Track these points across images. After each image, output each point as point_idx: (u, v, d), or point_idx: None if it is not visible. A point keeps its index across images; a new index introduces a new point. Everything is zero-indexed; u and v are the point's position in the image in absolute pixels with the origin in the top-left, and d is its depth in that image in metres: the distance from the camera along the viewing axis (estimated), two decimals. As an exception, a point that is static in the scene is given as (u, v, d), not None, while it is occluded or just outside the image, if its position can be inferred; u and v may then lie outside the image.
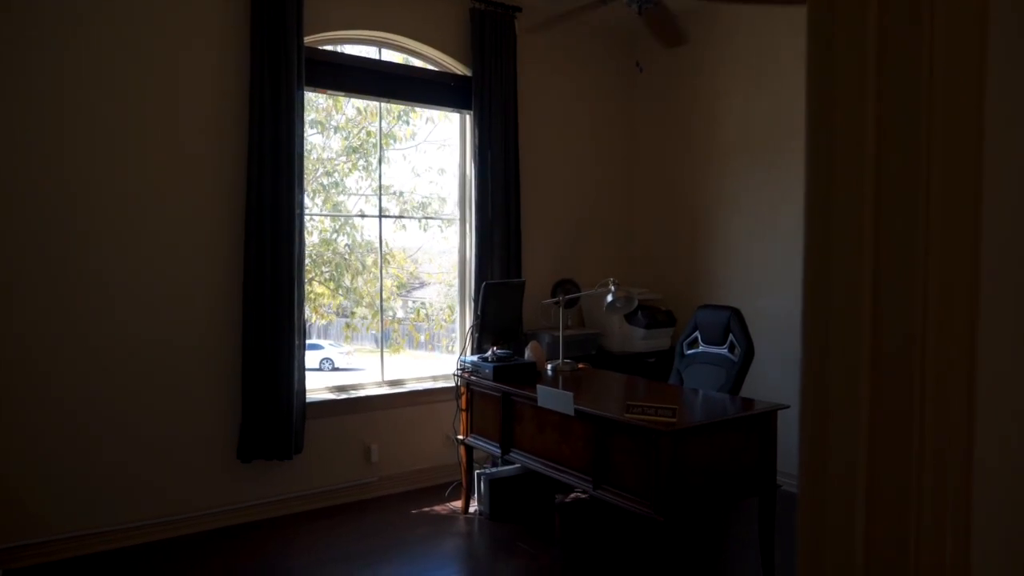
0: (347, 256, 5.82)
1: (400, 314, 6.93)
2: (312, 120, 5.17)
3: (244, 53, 3.55)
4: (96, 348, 3.26)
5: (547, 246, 4.76)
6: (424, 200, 5.27)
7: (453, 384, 4.14)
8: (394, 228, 5.54)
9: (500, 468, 3.87)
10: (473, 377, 3.61)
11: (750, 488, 2.87)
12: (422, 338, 6.53)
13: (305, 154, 5.76)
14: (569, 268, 4.80)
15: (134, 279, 3.36)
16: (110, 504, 3.30)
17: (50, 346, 3.16)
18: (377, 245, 5.65)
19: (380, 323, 4.40)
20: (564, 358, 3.83)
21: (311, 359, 9.17)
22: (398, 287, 6.41)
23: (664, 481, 2.56)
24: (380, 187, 4.41)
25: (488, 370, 3.49)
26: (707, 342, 3.82)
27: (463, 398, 3.72)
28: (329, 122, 5.12)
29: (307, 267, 5.86)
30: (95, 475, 3.26)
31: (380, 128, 4.48)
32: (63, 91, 3.17)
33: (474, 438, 3.68)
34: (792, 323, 4.24)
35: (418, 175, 5.61)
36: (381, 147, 4.46)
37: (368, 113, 4.90)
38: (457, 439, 3.80)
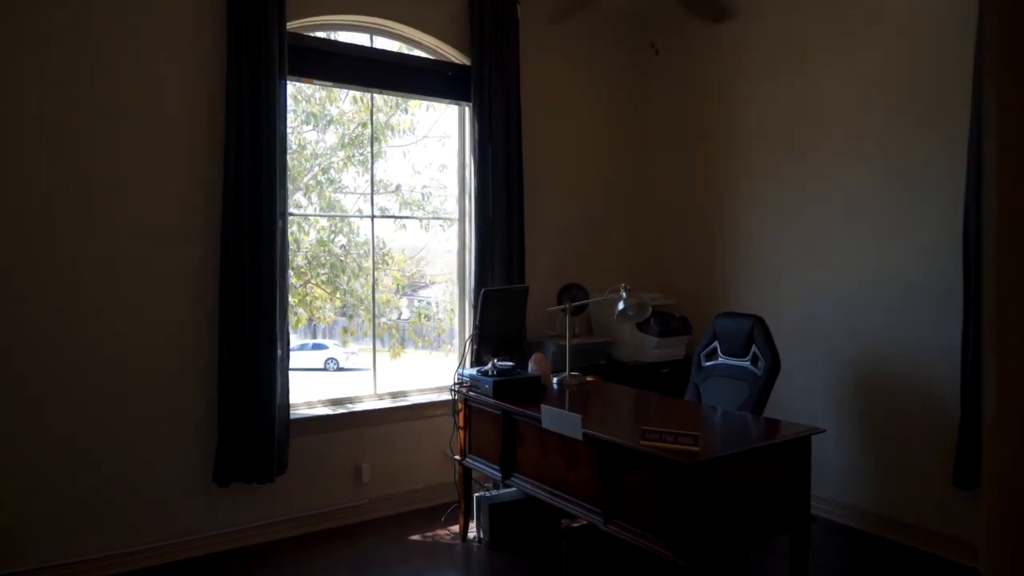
0: (343, 257, 5.53)
1: (406, 314, 6.68)
2: (305, 113, 4.87)
3: (220, 39, 3.25)
4: (57, 364, 2.97)
5: (552, 248, 4.44)
6: (425, 193, 4.96)
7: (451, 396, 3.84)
8: (394, 228, 5.24)
9: (502, 491, 3.56)
10: (471, 392, 3.30)
11: (781, 524, 2.55)
12: (427, 339, 6.24)
13: (299, 150, 5.52)
14: (576, 272, 4.48)
15: (99, 287, 3.06)
16: (74, 534, 3.00)
17: (7, 362, 2.88)
18: (379, 245, 5.35)
19: (373, 329, 4.09)
20: (571, 370, 3.52)
21: (315, 359, 9.09)
22: (400, 288, 6.13)
23: (684, 519, 2.24)
24: (372, 184, 4.10)
25: (487, 386, 3.18)
26: (727, 353, 3.50)
27: (460, 415, 3.41)
28: (324, 115, 4.82)
29: (303, 269, 5.61)
30: (56, 501, 2.97)
31: (372, 121, 4.17)
32: (23, 85, 2.88)
33: (472, 459, 3.37)
34: (821, 333, 3.95)
35: (418, 172, 5.31)
36: (373, 141, 4.15)
37: (365, 104, 4.60)
38: (454, 459, 3.49)
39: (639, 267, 4.84)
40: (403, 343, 6.28)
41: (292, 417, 3.47)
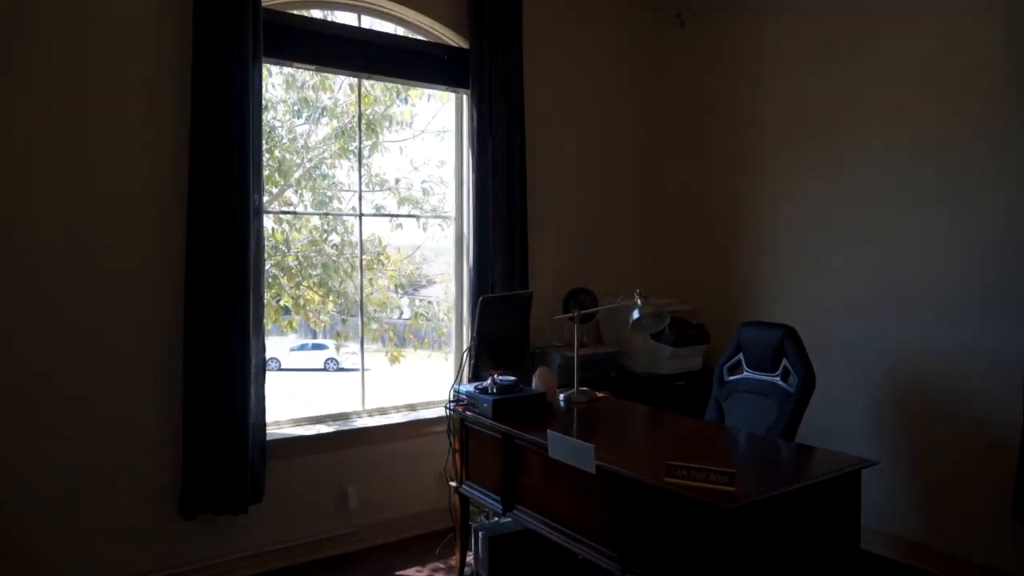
0: (336, 257, 5.16)
1: (407, 313, 6.41)
2: (299, 101, 4.50)
3: (186, 15, 2.89)
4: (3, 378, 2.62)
5: (556, 249, 4.08)
6: (425, 188, 4.59)
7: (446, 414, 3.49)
8: (391, 227, 4.89)
9: (503, 519, 3.20)
10: (469, 412, 2.94)
11: (826, 571, 2.19)
12: (426, 341, 5.90)
13: (289, 143, 5.15)
14: (582, 275, 4.11)
15: (48, 291, 2.71)
16: (16, 572, 2.65)
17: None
18: (370, 245, 5.00)
19: (361, 336, 3.74)
20: (579, 385, 3.15)
21: (315, 360, 8.79)
22: (398, 288, 5.79)
23: (719, 571, 1.89)
24: (361, 180, 3.74)
25: (486, 405, 2.81)
26: (753, 367, 3.14)
27: (457, 436, 3.05)
28: (317, 104, 4.44)
29: (294, 270, 5.25)
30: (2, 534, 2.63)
31: (360, 110, 3.80)
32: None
33: (470, 487, 3.01)
34: (854, 343, 3.53)
35: (416, 168, 4.94)
36: (361, 133, 3.79)
37: (364, 91, 4.22)
38: (451, 484, 3.13)
39: (651, 270, 4.48)
40: (403, 344, 5.93)
41: (269, 438, 3.12)
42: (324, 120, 4.57)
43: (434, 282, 6.21)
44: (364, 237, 4.23)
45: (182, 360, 2.88)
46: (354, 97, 4.32)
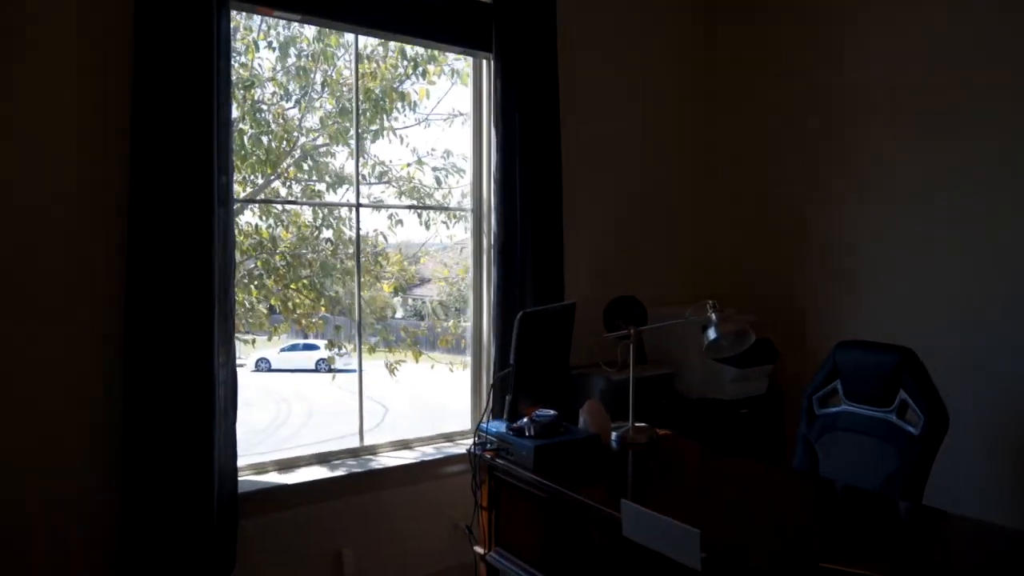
0: (330, 256, 4.47)
1: (399, 313, 5.90)
2: (289, 68, 3.82)
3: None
4: None
5: (594, 250, 3.40)
6: (437, 176, 3.92)
7: (465, 452, 2.83)
8: (390, 224, 4.22)
9: (538, 590, 2.53)
10: (499, 460, 2.27)
11: None
12: (447, 340, 5.25)
13: (281, 124, 4.43)
14: (620, 280, 3.42)
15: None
16: None
17: None
18: (368, 244, 4.32)
19: (359, 353, 3.06)
20: (635, 421, 2.49)
21: (306, 360, 8.25)
22: (396, 290, 5.15)
23: None
24: (358, 165, 3.05)
25: (525, 452, 2.15)
26: (856, 398, 2.48)
27: (484, 489, 2.38)
28: (313, 76, 3.74)
29: (281, 271, 4.57)
30: None
31: (357, 79, 3.11)
32: None
33: (501, 556, 2.33)
34: (963, 369, 2.84)
35: (420, 159, 4.27)
36: (358, 109, 3.10)
37: (373, 61, 3.54)
38: (475, 550, 2.46)
39: (705, 273, 3.80)
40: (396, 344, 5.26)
41: (241, 489, 2.44)
42: (325, 96, 3.89)
43: (427, 280, 5.68)
44: (364, 234, 3.58)
45: (123, 387, 2.20)
46: (362, 68, 3.64)
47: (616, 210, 3.50)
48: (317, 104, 4.08)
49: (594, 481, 2.07)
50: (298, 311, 4.57)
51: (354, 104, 3.01)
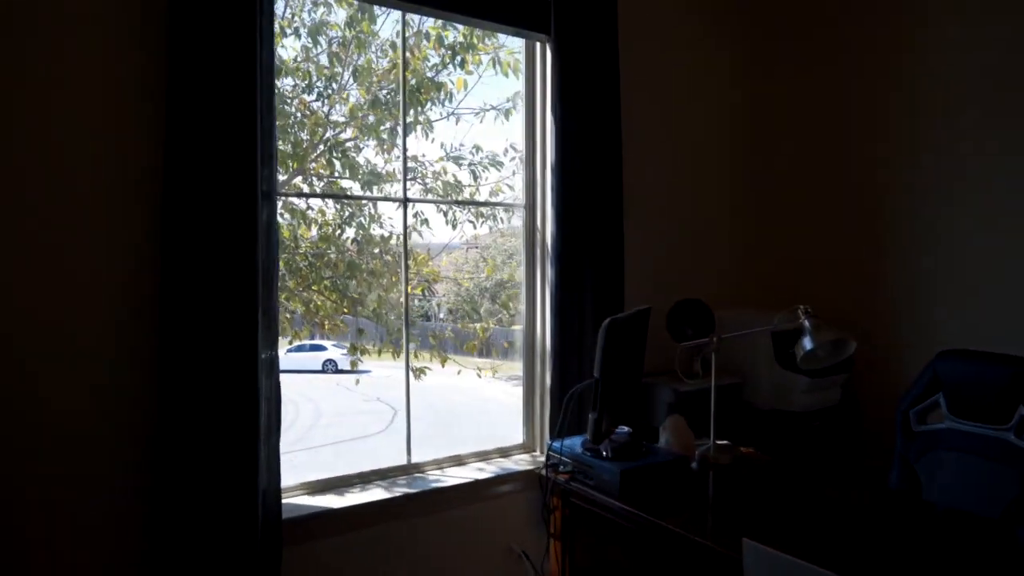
0: (355, 256, 4.22)
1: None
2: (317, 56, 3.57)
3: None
4: None
5: (652, 248, 3.15)
6: (475, 169, 3.66)
7: (517, 467, 2.61)
8: (415, 222, 3.97)
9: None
10: (575, 483, 2.03)
11: None
12: (471, 344, 5.03)
13: (310, 116, 4.17)
14: (678, 281, 3.17)
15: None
16: None
17: None
18: (394, 242, 4.08)
19: (407, 360, 2.83)
20: (716, 437, 2.25)
21: (312, 361, 8.07)
22: (422, 291, 4.92)
23: None
24: (405, 153, 2.81)
25: (608, 476, 1.91)
26: (963, 414, 2.23)
27: (556, 515, 2.14)
28: (346, 64, 3.49)
29: (304, 271, 4.33)
30: None
31: (403, 59, 2.86)
32: None
33: (577, 591, 2.10)
34: None
35: (448, 153, 4.02)
36: (404, 95, 2.86)
37: (407, 49, 3.28)
38: (541, 582, 2.22)
39: (762, 275, 3.55)
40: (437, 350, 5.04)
41: (285, 515, 2.20)
42: (354, 88, 3.63)
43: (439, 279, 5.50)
44: (387, 235, 3.36)
45: (156, 403, 1.96)
46: (397, 57, 3.38)
47: (670, 206, 3.26)
48: (347, 95, 3.84)
49: (684, 509, 1.83)
50: (320, 313, 4.33)
51: (401, 87, 2.77)
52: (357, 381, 5.30)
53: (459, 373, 5.04)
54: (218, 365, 1.98)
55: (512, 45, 3.15)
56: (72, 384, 1.92)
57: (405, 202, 2.75)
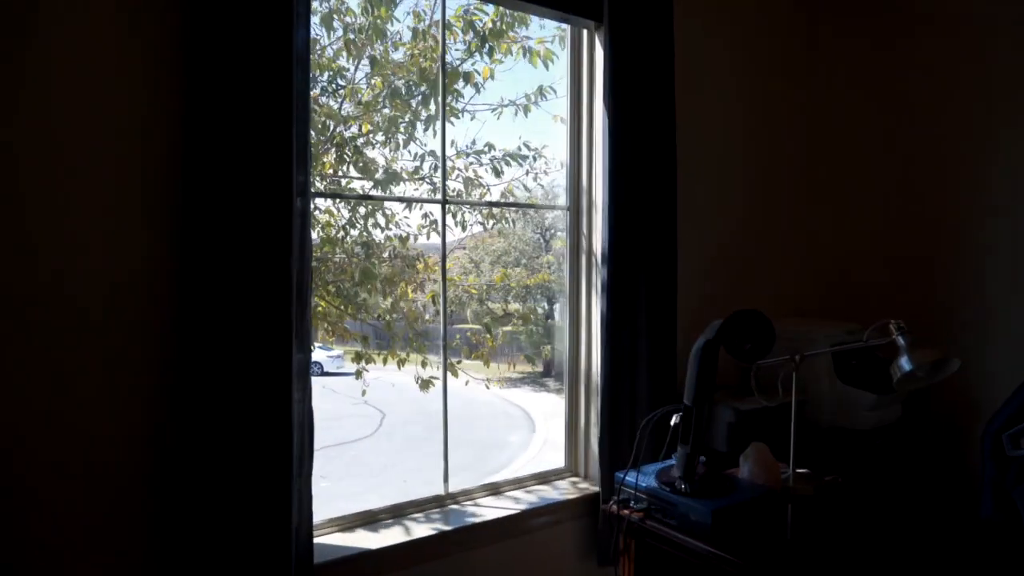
0: (367, 260, 3.94)
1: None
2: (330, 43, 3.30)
3: None
4: None
5: (705, 256, 2.92)
6: (497, 163, 3.42)
7: (560, 496, 2.37)
8: (422, 224, 3.71)
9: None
10: (652, 522, 1.80)
11: None
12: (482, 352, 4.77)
13: (324, 111, 3.88)
14: (728, 291, 2.96)
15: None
16: None
17: None
18: (402, 246, 3.83)
19: (444, 381, 2.57)
20: (795, 465, 2.02)
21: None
22: (432, 299, 4.65)
23: None
24: (444, 145, 2.56)
25: (697, 516, 1.67)
26: (1067, 440, 2.03)
27: (626, 560, 1.90)
28: (364, 53, 3.21)
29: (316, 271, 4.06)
30: None
31: (444, 35, 2.61)
32: None
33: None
34: None
35: (460, 152, 3.77)
36: (444, 78, 2.60)
37: (431, 36, 3.03)
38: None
39: (828, 285, 3.33)
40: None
41: (317, 559, 1.94)
42: (371, 81, 3.36)
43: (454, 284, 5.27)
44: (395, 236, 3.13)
45: (176, 438, 1.70)
46: (420, 46, 3.13)
47: (723, 209, 3.03)
48: (364, 87, 3.57)
49: (779, 552, 1.60)
50: (328, 319, 4.06)
51: (440, 69, 2.51)
52: (363, 393, 4.96)
53: (467, 384, 4.79)
54: (246, 390, 1.71)
55: (544, 33, 2.93)
56: (80, 412, 1.65)
57: (444, 203, 2.49)
